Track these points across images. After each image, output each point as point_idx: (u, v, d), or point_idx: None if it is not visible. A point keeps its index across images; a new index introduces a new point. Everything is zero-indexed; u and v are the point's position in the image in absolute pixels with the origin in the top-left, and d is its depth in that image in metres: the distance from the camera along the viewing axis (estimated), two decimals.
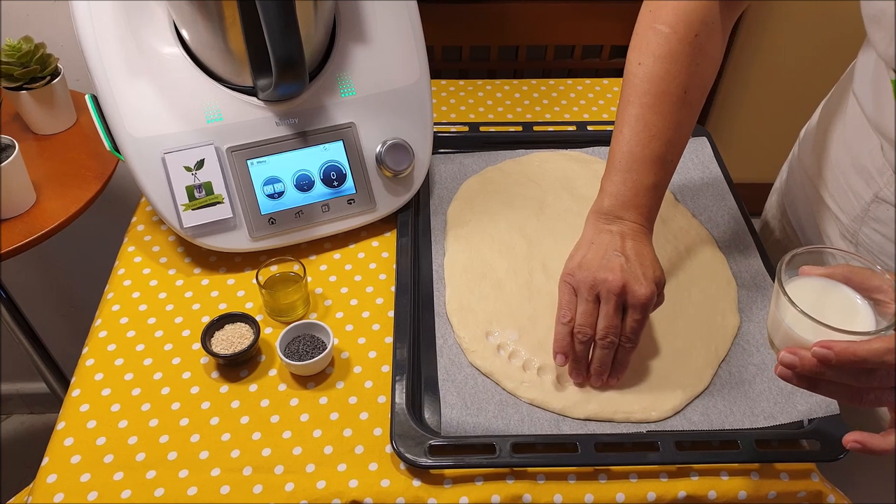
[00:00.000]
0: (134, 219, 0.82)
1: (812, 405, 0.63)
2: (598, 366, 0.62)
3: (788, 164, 0.83)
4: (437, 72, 0.81)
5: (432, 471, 0.60)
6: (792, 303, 0.48)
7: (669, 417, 0.63)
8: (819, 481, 0.61)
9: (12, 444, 1.54)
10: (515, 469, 0.60)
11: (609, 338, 0.60)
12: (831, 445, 0.60)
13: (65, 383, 1.16)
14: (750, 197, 0.91)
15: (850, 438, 0.47)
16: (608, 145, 0.88)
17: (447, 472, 0.60)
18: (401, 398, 0.62)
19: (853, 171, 0.66)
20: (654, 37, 0.61)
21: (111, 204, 1.05)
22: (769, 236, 0.86)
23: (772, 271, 0.75)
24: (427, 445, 0.59)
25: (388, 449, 0.61)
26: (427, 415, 0.63)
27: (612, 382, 0.64)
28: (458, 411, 0.62)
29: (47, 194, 0.86)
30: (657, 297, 0.61)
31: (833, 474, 0.63)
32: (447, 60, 1.09)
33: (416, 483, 0.59)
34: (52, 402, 1.52)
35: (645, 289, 0.60)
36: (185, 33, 0.72)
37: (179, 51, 0.72)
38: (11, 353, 1.43)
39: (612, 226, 0.63)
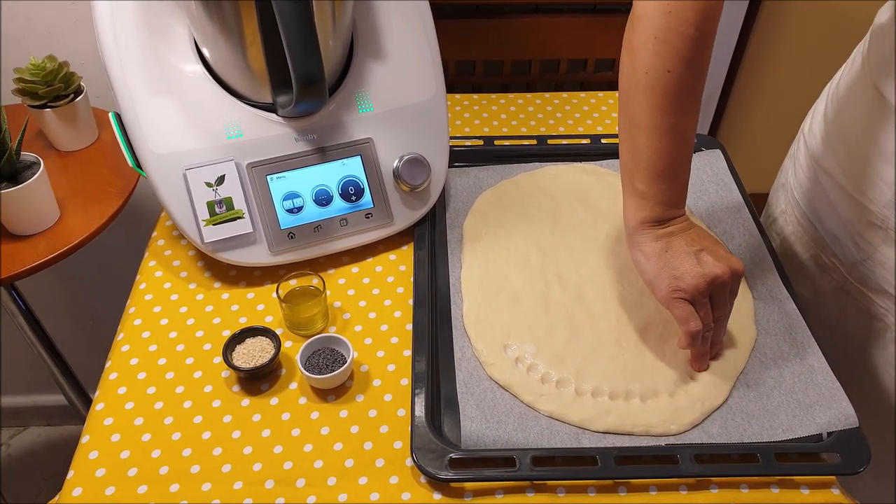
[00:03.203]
0: (154, 233, 0.83)
1: (831, 418, 0.63)
2: (714, 345, 0.67)
3: (793, 159, 0.83)
4: (450, 86, 0.81)
5: (453, 484, 0.60)
6: None
7: (688, 431, 0.64)
8: (839, 494, 0.61)
9: (30, 456, 1.56)
10: (535, 482, 0.60)
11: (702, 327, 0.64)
12: (851, 458, 0.60)
13: (83, 396, 1.17)
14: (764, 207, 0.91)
15: None
16: None
17: (467, 485, 0.60)
18: (420, 411, 0.63)
19: (881, 159, 0.66)
20: (682, 42, 0.59)
21: (130, 219, 1.06)
22: (781, 231, 0.85)
23: (788, 283, 0.75)
24: (447, 459, 0.59)
25: (409, 462, 0.61)
26: (446, 428, 0.63)
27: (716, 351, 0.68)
28: (477, 424, 0.62)
29: (71, 210, 0.87)
30: None
31: (853, 487, 0.63)
32: (461, 75, 1.11)
33: (437, 496, 0.60)
34: (70, 415, 1.53)
35: (739, 262, 0.63)
36: (206, 52, 0.73)
37: (200, 69, 0.74)
38: (29, 366, 1.44)
39: (668, 228, 0.64)
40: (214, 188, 0.72)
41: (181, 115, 0.72)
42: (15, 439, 1.58)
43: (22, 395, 1.54)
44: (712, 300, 0.64)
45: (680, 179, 0.64)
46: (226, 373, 0.69)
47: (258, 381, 0.68)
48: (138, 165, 0.73)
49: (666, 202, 0.64)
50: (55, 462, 1.54)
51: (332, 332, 0.72)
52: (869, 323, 0.73)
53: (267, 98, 0.74)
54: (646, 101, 0.61)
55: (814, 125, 0.79)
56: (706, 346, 0.66)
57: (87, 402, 1.19)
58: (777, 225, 0.86)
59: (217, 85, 0.74)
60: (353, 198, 0.77)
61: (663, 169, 0.63)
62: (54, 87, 0.88)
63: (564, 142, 0.93)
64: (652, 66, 0.60)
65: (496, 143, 0.92)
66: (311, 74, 0.66)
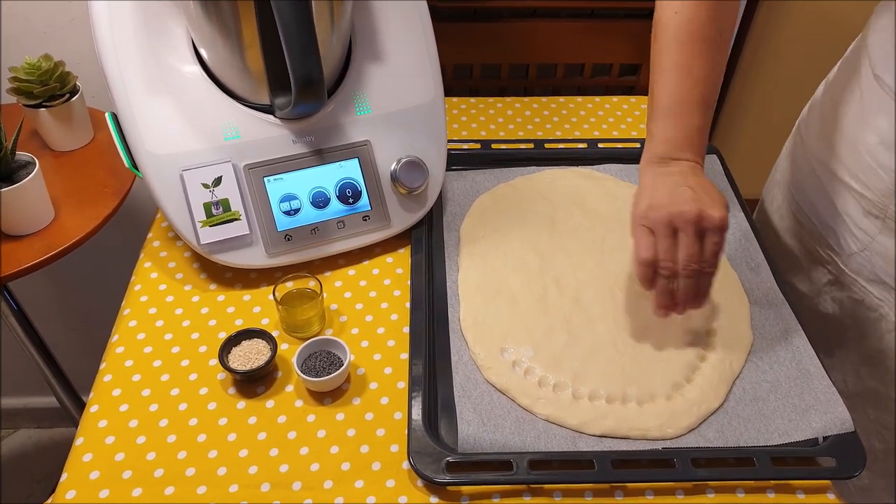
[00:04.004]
0: (150, 235, 0.82)
1: (827, 422, 0.64)
2: (683, 295, 0.64)
3: (789, 154, 0.84)
4: (447, 89, 0.81)
5: (449, 487, 0.60)
6: None
7: (684, 434, 0.64)
8: (835, 499, 0.61)
9: (20, 458, 1.55)
10: (532, 486, 0.60)
11: (692, 266, 0.62)
12: (847, 462, 0.60)
13: (75, 398, 1.17)
14: None
15: None
16: (619, 163, 0.90)
17: (464, 488, 0.60)
18: (417, 414, 0.62)
19: (881, 147, 0.66)
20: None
21: (124, 220, 1.06)
22: (776, 227, 0.86)
23: (783, 288, 0.76)
24: (444, 462, 0.59)
25: (405, 465, 0.61)
26: (443, 431, 0.63)
27: (694, 308, 0.65)
28: (474, 428, 0.62)
29: (66, 210, 0.87)
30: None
31: (847, 491, 0.64)
32: (458, 78, 1.11)
33: (434, 500, 0.59)
34: (61, 417, 1.51)
35: (719, 211, 0.62)
36: (203, 52, 0.73)
37: (198, 69, 0.73)
38: (19, 368, 1.43)
39: (670, 167, 0.65)
40: (211, 189, 0.72)
41: (178, 115, 0.72)
42: (5, 441, 1.57)
43: (13, 397, 1.53)
44: (681, 242, 0.62)
45: (687, 120, 0.64)
46: (221, 375, 0.68)
47: (254, 383, 0.68)
48: (134, 166, 0.73)
49: (669, 140, 0.65)
50: (46, 464, 1.53)
51: (328, 334, 0.72)
52: (864, 314, 0.73)
53: (265, 99, 0.74)
54: (656, 43, 0.65)
55: (811, 119, 0.80)
56: (668, 286, 0.64)
57: (79, 404, 1.18)
58: (772, 221, 0.87)
59: (215, 86, 0.74)
60: (351, 200, 0.77)
61: (668, 105, 0.64)
62: (50, 87, 0.88)
63: (561, 146, 0.93)
64: (661, 6, 0.64)
65: (493, 146, 0.92)
66: (310, 76, 0.66)
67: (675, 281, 0.63)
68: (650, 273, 0.63)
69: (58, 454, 1.54)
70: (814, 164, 0.77)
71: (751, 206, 0.86)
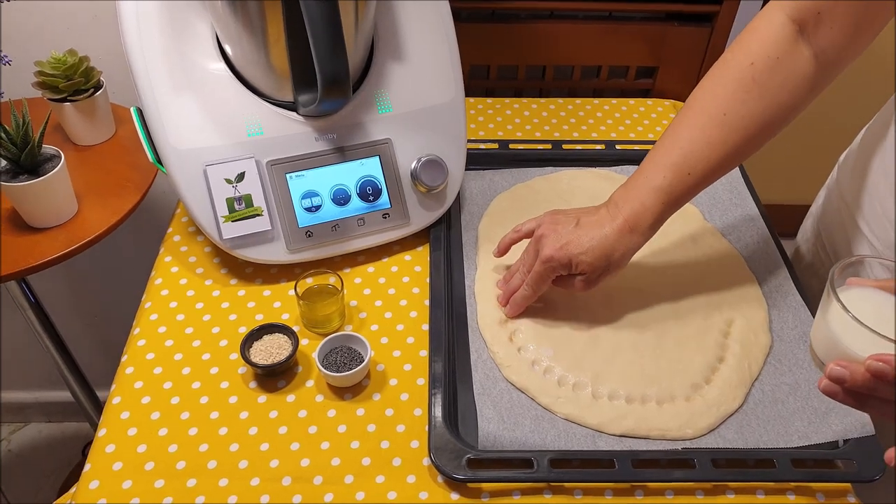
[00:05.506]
0: (170, 230, 0.83)
1: (847, 425, 0.64)
2: (507, 290, 0.71)
3: (826, 188, 0.84)
4: (465, 89, 0.82)
5: (470, 484, 0.60)
6: (847, 311, 0.47)
7: (704, 435, 0.64)
8: (855, 501, 0.61)
9: (30, 452, 1.55)
10: (553, 484, 0.60)
11: (519, 271, 0.70)
12: (867, 466, 0.60)
13: (89, 392, 1.17)
14: (784, 218, 0.90)
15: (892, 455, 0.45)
16: (637, 164, 0.90)
17: (485, 485, 0.60)
18: (438, 411, 0.63)
19: (891, 199, 0.67)
20: (717, 62, 0.65)
21: (140, 215, 1.06)
22: (802, 259, 0.86)
23: (802, 291, 0.76)
24: (465, 459, 0.59)
25: (426, 462, 0.62)
26: (462, 429, 0.63)
27: (507, 312, 0.72)
28: (494, 425, 0.62)
29: (88, 204, 0.87)
30: (568, 274, 0.67)
31: (869, 496, 0.64)
32: (475, 79, 1.11)
33: (454, 496, 0.60)
34: (73, 411, 1.53)
35: (550, 250, 0.66)
36: (228, 49, 0.74)
37: (223, 66, 0.74)
38: (31, 361, 1.44)
39: (604, 207, 0.67)
40: (234, 185, 0.73)
41: (203, 111, 0.73)
42: (15, 435, 1.57)
43: (23, 391, 1.54)
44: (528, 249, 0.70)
45: (647, 176, 0.65)
46: (242, 369, 0.69)
47: (275, 377, 0.68)
48: (158, 161, 0.73)
49: (623, 188, 0.67)
50: (56, 458, 1.54)
51: (347, 330, 0.72)
52: None
53: (288, 97, 0.75)
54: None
55: (848, 156, 0.79)
56: (514, 284, 0.70)
57: (94, 398, 1.18)
58: (799, 253, 0.87)
59: (239, 83, 0.74)
60: (371, 198, 0.77)
61: (644, 160, 0.67)
62: (74, 82, 0.89)
63: (579, 147, 0.94)
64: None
65: (511, 146, 0.92)
66: (337, 73, 0.66)
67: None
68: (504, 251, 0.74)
69: (68, 449, 1.56)
70: (840, 205, 0.77)
71: (776, 212, 0.85)
